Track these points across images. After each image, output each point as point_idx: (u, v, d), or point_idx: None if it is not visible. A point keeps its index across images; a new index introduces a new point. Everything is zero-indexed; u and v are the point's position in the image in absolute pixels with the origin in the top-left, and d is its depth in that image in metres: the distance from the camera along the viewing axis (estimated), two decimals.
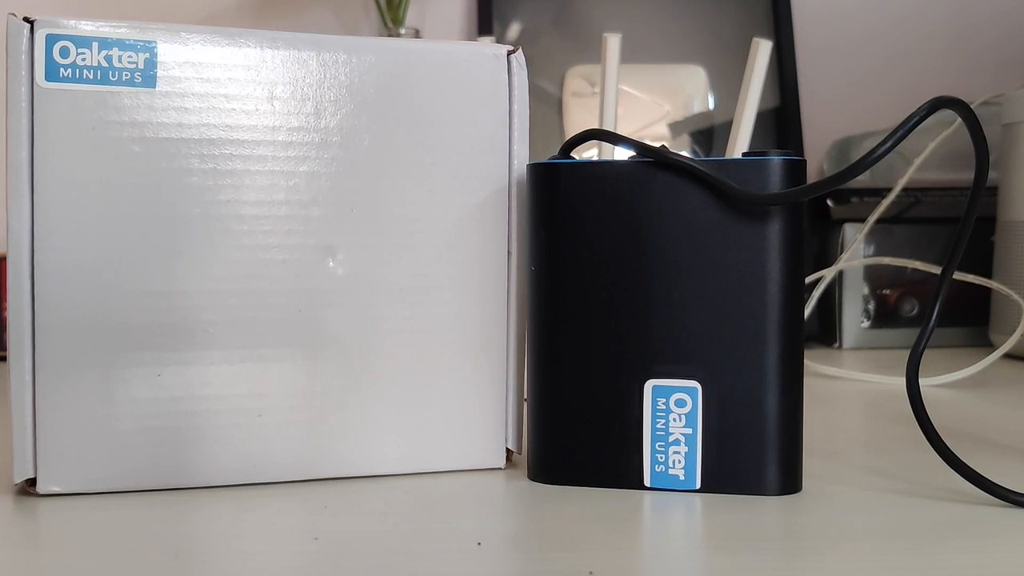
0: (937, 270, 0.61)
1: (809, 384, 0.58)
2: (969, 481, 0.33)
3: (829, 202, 0.77)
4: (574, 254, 0.35)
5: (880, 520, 0.31)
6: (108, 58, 0.33)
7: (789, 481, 0.34)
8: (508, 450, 0.38)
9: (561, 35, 0.87)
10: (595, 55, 0.85)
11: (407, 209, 0.36)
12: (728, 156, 0.49)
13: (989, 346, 0.74)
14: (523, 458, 0.38)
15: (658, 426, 0.34)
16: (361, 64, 0.35)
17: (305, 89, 0.35)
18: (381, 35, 0.83)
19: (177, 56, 0.34)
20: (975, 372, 0.59)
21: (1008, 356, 0.70)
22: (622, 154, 0.35)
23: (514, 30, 0.87)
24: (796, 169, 0.33)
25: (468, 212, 0.36)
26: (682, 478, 0.34)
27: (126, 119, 0.33)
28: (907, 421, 0.46)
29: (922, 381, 0.56)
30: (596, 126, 0.57)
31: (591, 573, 0.26)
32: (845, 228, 0.76)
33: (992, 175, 0.74)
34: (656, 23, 0.88)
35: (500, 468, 0.38)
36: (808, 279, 0.66)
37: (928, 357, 0.68)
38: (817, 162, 0.91)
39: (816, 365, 0.62)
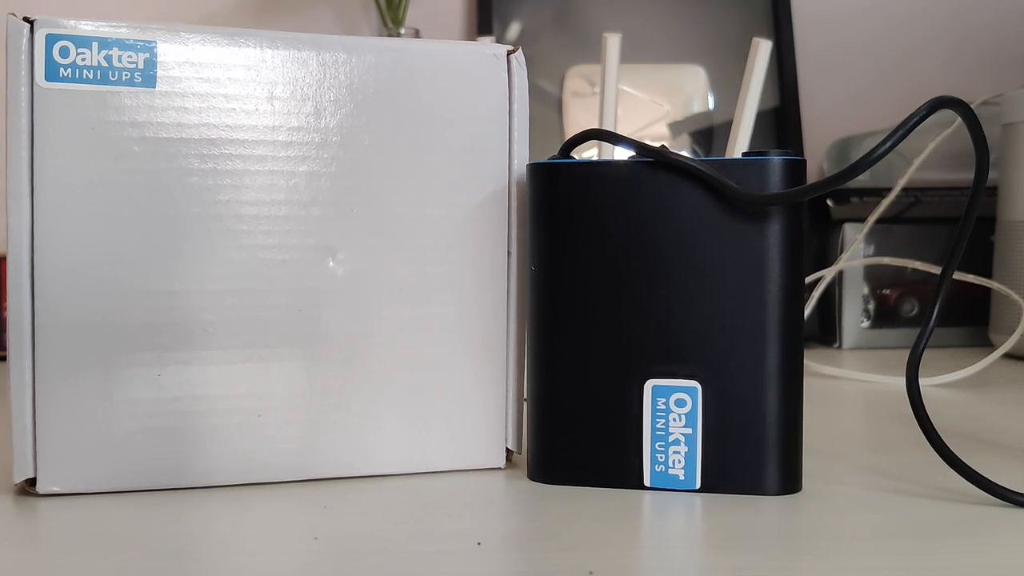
0: (937, 270, 0.61)
1: (809, 384, 0.58)
2: (969, 481, 0.33)
3: (829, 202, 0.77)
4: (574, 254, 0.35)
5: (880, 520, 0.31)
6: (108, 58, 0.33)
7: (789, 481, 0.34)
8: (508, 450, 0.38)
9: (561, 35, 0.87)
10: (595, 55, 0.85)
11: (407, 209, 0.36)
12: (728, 156, 0.49)
13: (989, 346, 0.74)
14: (523, 458, 0.38)
15: (658, 426, 0.34)
16: (361, 64, 0.35)
17: (305, 89, 0.35)
18: (381, 35, 0.83)
19: (177, 56, 0.34)
20: (975, 372, 0.59)
21: (1008, 356, 0.70)
22: (622, 154, 0.35)
23: (514, 30, 0.87)
24: (796, 169, 0.33)
25: (468, 212, 0.36)
26: (682, 478, 0.34)
27: (126, 119, 0.33)
28: (907, 421, 0.46)
29: (922, 381, 0.56)
30: (596, 126, 0.57)
31: (591, 573, 0.26)
32: (845, 228, 0.76)
33: (992, 175, 0.74)
34: (656, 23, 0.88)
35: (500, 468, 0.38)
36: (808, 279, 0.66)
37: (928, 357, 0.68)
38: (817, 162, 0.91)
39: (816, 365, 0.62)
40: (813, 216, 0.78)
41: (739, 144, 0.51)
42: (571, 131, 0.85)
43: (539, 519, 0.31)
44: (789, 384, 0.34)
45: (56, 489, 0.33)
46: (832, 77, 0.93)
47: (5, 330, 0.65)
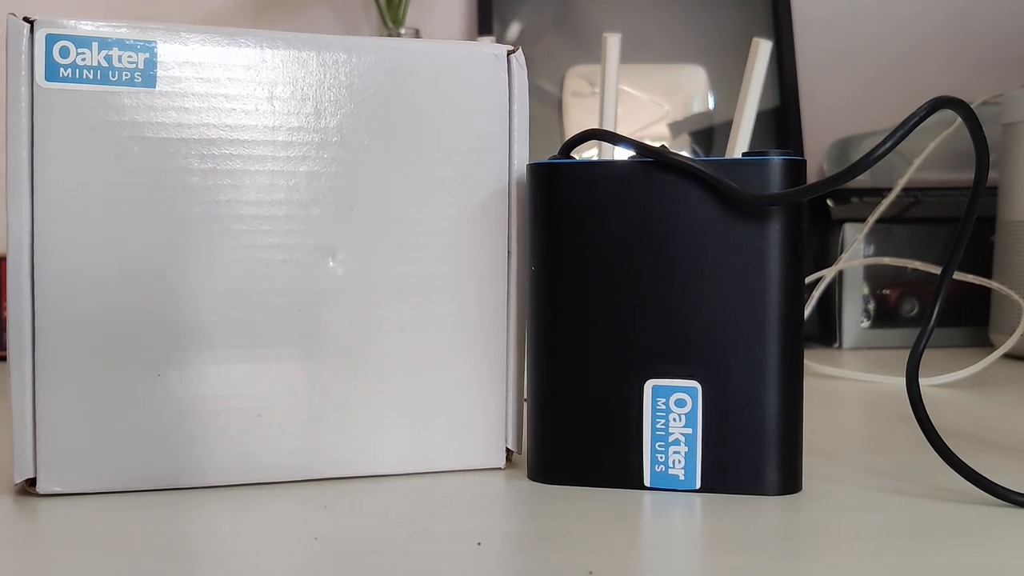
0: (937, 270, 0.61)
1: (809, 384, 0.58)
2: (969, 481, 0.33)
3: (829, 202, 0.77)
4: (574, 254, 0.35)
5: (880, 520, 0.31)
6: (108, 58, 0.33)
7: (789, 481, 0.34)
8: (508, 450, 0.38)
9: (561, 35, 0.87)
10: (595, 55, 0.85)
11: (407, 209, 0.36)
12: (728, 156, 0.49)
13: (989, 346, 0.74)
14: (523, 458, 0.38)
15: (658, 426, 0.34)
16: (361, 64, 0.35)
17: (305, 89, 0.35)
18: (381, 35, 0.83)
19: (177, 56, 0.34)
20: (975, 372, 0.59)
21: (1008, 356, 0.70)
22: (622, 154, 0.35)
23: (514, 30, 0.87)
24: (796, 169, 0.33)
25: (468, 212, 0.36)
26: (682, 478, 0.34)
27: (126, 119, 0.33)
28: (907, 421, 0.46)
29: (922, 381, 0.56)
30: (596, 126, 0.56)
31: (591, 573, 0.26)
32: (845, 228, 0.76)
33: (992, 175, 0.74)
34: (656, 22, 0.88)
35: (500, 468, 0.38)
36: (808, 279, 0.66)
37: (928, 357, 0.68)
38: (817, 162, 0.91)
39: (816, 365, 0.62)
40: (813, 216, 0.78)
41: (739, 144, 0.51)
42: (571, 131, 0.85)
43: (539, 519, 0.31)
44: (789, 384, 0.34)
45: (56, 489, 0.33)
46: (832, 77, 0.93)
47: (5, 330, 0.65)
